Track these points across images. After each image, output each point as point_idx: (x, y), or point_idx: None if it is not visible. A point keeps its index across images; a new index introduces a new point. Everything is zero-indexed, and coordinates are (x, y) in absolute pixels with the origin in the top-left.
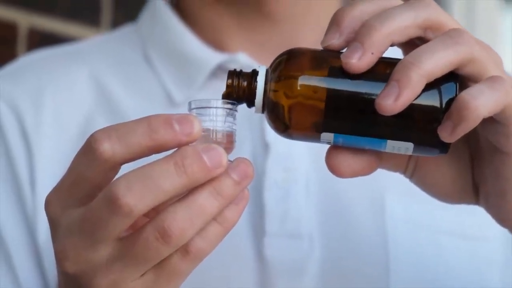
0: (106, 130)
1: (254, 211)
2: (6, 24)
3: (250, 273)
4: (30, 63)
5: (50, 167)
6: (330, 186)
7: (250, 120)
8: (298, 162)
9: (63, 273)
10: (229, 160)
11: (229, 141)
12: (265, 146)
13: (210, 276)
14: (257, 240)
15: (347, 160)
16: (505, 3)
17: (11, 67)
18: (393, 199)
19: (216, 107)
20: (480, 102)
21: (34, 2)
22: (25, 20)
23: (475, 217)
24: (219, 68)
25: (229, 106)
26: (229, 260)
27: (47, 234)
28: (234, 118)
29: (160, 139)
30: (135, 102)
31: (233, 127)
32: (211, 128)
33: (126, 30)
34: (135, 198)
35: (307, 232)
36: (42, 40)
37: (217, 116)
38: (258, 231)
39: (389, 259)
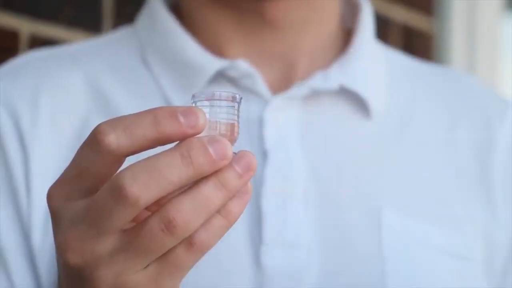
0: (111, 122)
1: (251, 219)
2: (7, 31)
3: (247, 281)
4: (26, 64)
5: (46, 170)
6: (328, 196)
7: (249, 128)
8: (297, 171)
9: (64, 265)
10: (233, 152)
11: (232, 133)
12: (264, 154)
13: (207, 283)
14: (255, 248)
15: None
16: (506, 9)
17: (6, 68)
18: (390, 214)
19: (220, 99)
20: None
21: (35, 9)
22: (26, 28)
23: (463, 236)
24: (219, 74)
25: (233, 98)
26: (226, 267)
27: (42, 237)
28: (238, 110)
29: (165, 131)
30: (133, 106)
31: (236, 119)
32: (215, 120)
33: (124, 33)
34: (141, 189)
35: (305, 241)
36: (43, 47)
37: (220, 108)
38: (256, 239)
39: (386, 274)
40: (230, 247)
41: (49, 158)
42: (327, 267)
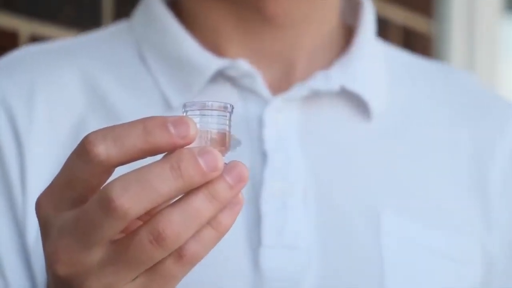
0: (101, 132)
1: (250, 222)
2: (7, 32)
3: (246, 283)
4: (21, 59)
5: (42, 168)
6: (327, 198)
7: (249, 130)
8: (296, 172)
9: (53, 276)
10: (224, 163)
11: (223, 143)
12: (263, 156)
13: (205, 285)
14: (253, 251)
15: None
16: (505, 11)
17: (1, 63)
18: (389, 215)
19: (211, 109)
20: None
21: (35, 10)
22: (26, 28)
23: (462, 239)
24: (219, 74)
25: (224, 108)
26: (224, 271)
27: (36, 236)
28: (229, 120)
29: (155, 142)
30: (130, 104)
31: (228, 129)
32: (206, 130)
33: (120, 27)
34: (131, 201)
35: (304, 244)
36: None
37: (212, 118)
38: (255, 242)
39: (385, 276)
40: (229, 249)
41: (45, 156)
42: (327, 269)
